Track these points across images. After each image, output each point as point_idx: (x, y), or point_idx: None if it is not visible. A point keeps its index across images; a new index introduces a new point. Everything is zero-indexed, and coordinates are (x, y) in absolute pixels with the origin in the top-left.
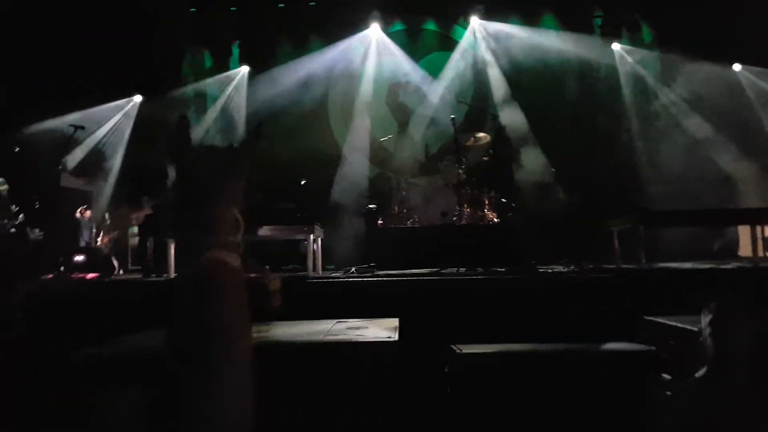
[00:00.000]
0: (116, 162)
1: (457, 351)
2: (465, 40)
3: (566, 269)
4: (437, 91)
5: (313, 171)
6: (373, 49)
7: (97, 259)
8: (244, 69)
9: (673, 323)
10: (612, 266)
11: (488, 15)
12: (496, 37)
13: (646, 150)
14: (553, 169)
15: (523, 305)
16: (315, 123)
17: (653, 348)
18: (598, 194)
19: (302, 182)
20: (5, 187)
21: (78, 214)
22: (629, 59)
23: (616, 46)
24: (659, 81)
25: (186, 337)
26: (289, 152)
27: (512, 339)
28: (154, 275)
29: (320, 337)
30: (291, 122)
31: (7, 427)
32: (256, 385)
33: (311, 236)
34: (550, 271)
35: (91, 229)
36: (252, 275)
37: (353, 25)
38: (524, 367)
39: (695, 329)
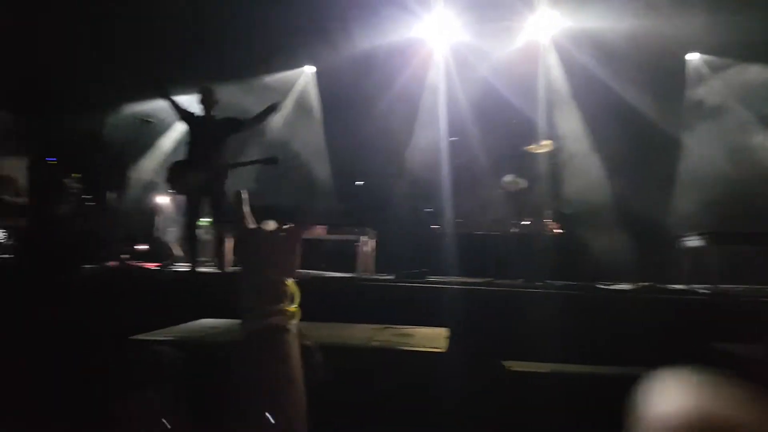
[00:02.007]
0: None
1: (508, 368)
2: None
3: (630, 287)
4: None
5: (370, 172)
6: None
7: (159, 249)
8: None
9: (747, 353)
10: (681, 287)
11: None
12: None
13: (718, 165)
14: (621, 181)
15: (581, 323)
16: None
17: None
18: (667, 209)
19: (359, 183)
20: (77, 178)
21: (155, 204)
22: (704, 70)
23: (692, 56)
24: (735, 95)
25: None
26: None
27: (567, 359)
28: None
29: (366, 342)
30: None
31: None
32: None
33: (364, 238)
34: (612, 288)
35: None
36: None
37: None
38: (578, 390)
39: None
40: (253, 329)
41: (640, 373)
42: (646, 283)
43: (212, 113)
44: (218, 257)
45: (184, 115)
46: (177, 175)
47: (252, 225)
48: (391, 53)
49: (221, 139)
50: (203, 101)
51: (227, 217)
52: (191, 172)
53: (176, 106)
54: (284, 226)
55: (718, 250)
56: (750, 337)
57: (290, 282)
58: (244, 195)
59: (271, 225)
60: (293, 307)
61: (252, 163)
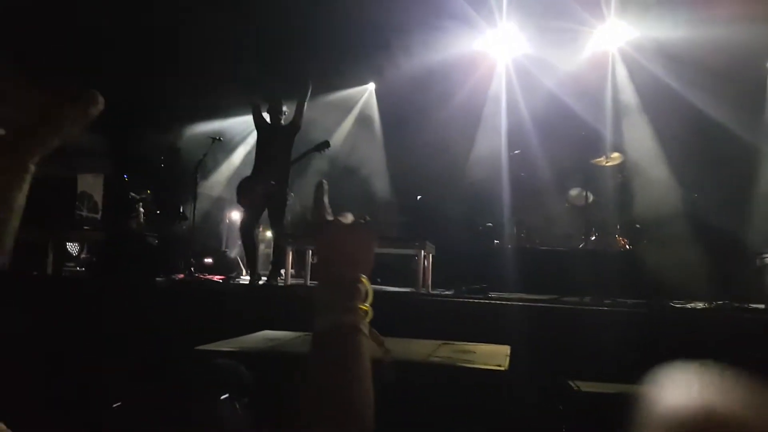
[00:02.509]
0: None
1: (575, 388)
2: None
3: (705, 306)
4: None
5: (431, 186)
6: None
7: (224, 262)
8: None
9: None
10: (761, 306)
11: None
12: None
13: None
14: (695, 195)
15: (653, 343)
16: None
17: None
18: (745, 225)
19: (419, 197)
20: (149, 194)
21: (226, 219)
22: None
23: None
24: None
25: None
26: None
27: (636, 380)
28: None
29: (425, 358)
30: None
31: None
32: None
33: (422, 252)
34: (687, 307)
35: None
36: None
37: None
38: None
39: None
40: (325, 326)
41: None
42: (722, 302)
43: (280, 122)
44: (279, 269)
45: (259, 120)
46: (245, 189)
47: (330, 217)
48: (453, 67)
49: (287, 146)
50: (271, 110)
51: (287, 229)
52: (259, 184)
53: (257, 110)
54: (362, 221)
55: None
56: None
57: (365, 279)
58: (325, 186)
59: (349, 218)
60: (366, 306)
61: (306, 154)
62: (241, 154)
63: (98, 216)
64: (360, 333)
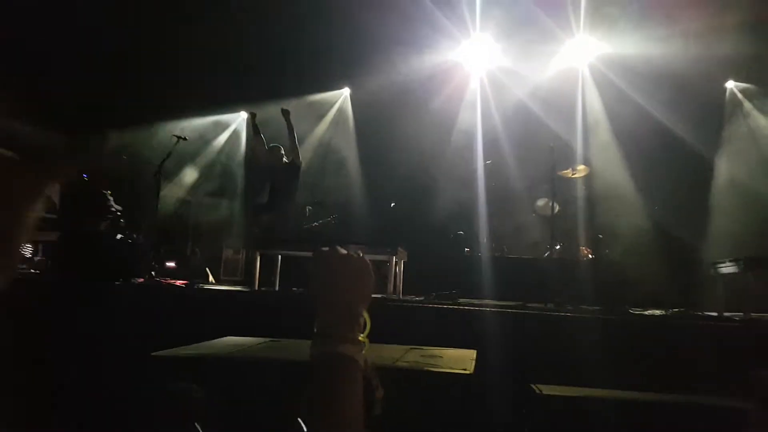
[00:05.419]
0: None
1: (537, 391)
2: None
3: (662, 313)
4: None
5: (404, 193)
6: None
7: (188, 267)
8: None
9: None
10: (714, 314)
11: None
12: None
13: (755, 191)
14: (656, 206)
15: (612, 348)
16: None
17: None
18: (702, 235)
19: (392, 204)
20: (108, 194)
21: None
22: (740, 96)
23: (730, 83)
24: None
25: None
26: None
27: (597, 383)
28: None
29: (392, 363)
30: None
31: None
32: None
33: (394, 258)
34: (645, 314)
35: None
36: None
37: None
38: (611, 416)
39: None
40: (323, 353)
41: (672, 400)
42: (679, 309)
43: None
44: (249, 275)
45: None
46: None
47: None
48: (427, 76)
49: (291, 184)
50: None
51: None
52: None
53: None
54: (359, 253)
55: (754, 276)
56: None
57: (365, 313)
58: (308, 212)
59: (342, 250)
60: (362, 337)
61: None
62: (208, 155)
63: (56, 216)
64: (356, 364)
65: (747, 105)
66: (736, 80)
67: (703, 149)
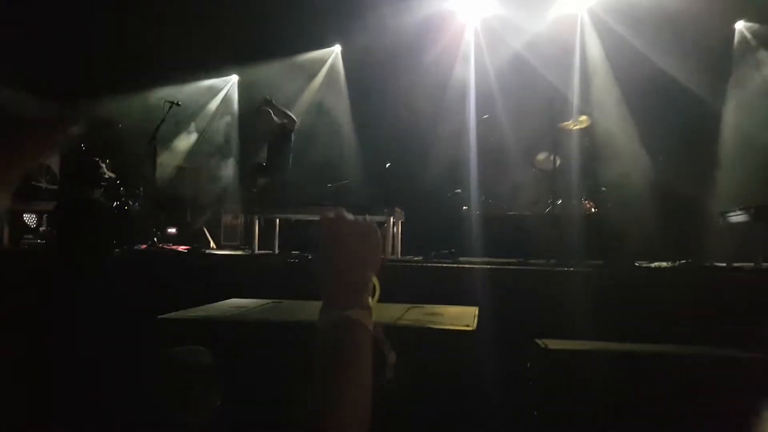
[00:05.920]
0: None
1: (542, 346)
2: None
3: (669, 265)
4: None
5: (399, 153)
6: None
7: (189, 232)
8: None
9: None
10: (723, 264)
11: None
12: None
13: (759, 140)
14: (660, 157)
15: (618, 302)
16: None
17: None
18: (710, 185)
19: (387, 165)
20: (107, 163)
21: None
22: (750, 38)
23: (739, 24)
24: None
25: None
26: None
27: (602, 337)
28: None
29: (393, 321)
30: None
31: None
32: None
33: (392, 219)
34: (650, 266)
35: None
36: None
37: None
38: (617, 368)
39: None
40: (332, 320)
41: (681, 351)
42: (686, 261)
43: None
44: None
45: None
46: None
47: (331, 214)
48: (420, 28)
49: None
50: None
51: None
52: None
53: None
54: (370, 218)
55: (763, 226)
56: None
57: (375, 278)
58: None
59: (349, 215)
60: (373, 302)
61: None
62: (203, 121)
63: (56, 187)
64: (365, 329)
65: (757, 47)
66: (746, 20)
67: (709, 98)
